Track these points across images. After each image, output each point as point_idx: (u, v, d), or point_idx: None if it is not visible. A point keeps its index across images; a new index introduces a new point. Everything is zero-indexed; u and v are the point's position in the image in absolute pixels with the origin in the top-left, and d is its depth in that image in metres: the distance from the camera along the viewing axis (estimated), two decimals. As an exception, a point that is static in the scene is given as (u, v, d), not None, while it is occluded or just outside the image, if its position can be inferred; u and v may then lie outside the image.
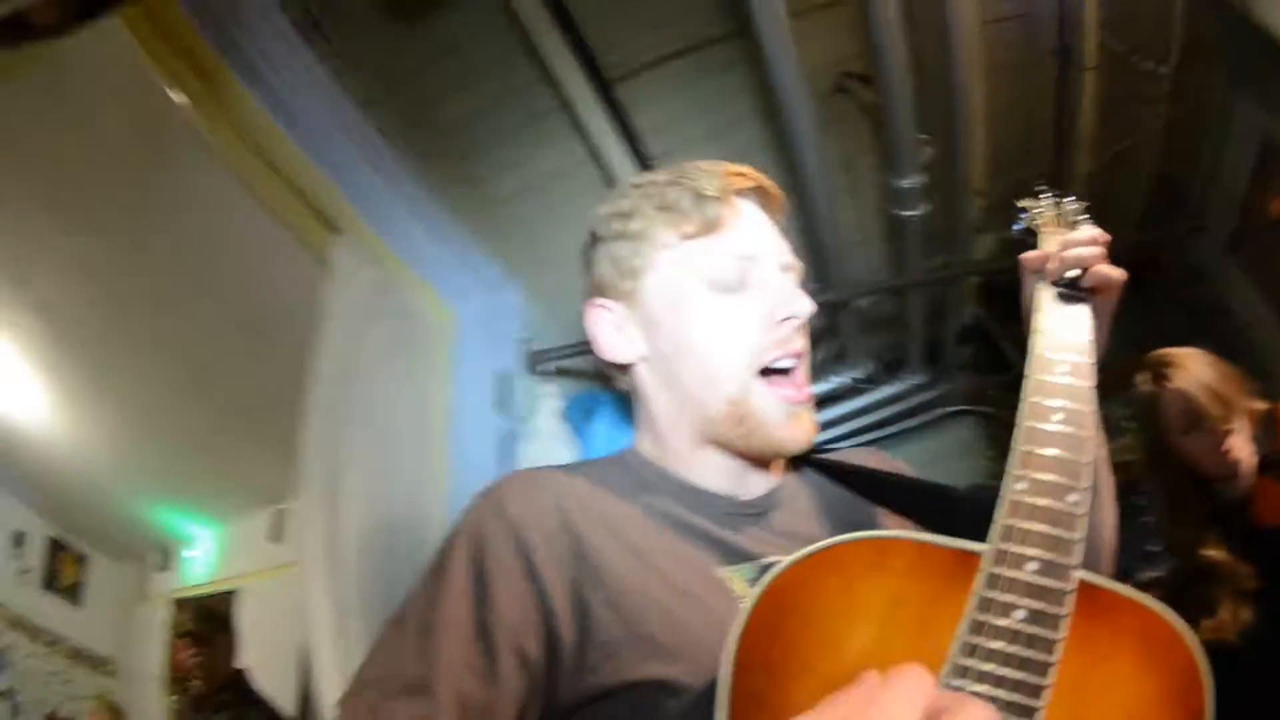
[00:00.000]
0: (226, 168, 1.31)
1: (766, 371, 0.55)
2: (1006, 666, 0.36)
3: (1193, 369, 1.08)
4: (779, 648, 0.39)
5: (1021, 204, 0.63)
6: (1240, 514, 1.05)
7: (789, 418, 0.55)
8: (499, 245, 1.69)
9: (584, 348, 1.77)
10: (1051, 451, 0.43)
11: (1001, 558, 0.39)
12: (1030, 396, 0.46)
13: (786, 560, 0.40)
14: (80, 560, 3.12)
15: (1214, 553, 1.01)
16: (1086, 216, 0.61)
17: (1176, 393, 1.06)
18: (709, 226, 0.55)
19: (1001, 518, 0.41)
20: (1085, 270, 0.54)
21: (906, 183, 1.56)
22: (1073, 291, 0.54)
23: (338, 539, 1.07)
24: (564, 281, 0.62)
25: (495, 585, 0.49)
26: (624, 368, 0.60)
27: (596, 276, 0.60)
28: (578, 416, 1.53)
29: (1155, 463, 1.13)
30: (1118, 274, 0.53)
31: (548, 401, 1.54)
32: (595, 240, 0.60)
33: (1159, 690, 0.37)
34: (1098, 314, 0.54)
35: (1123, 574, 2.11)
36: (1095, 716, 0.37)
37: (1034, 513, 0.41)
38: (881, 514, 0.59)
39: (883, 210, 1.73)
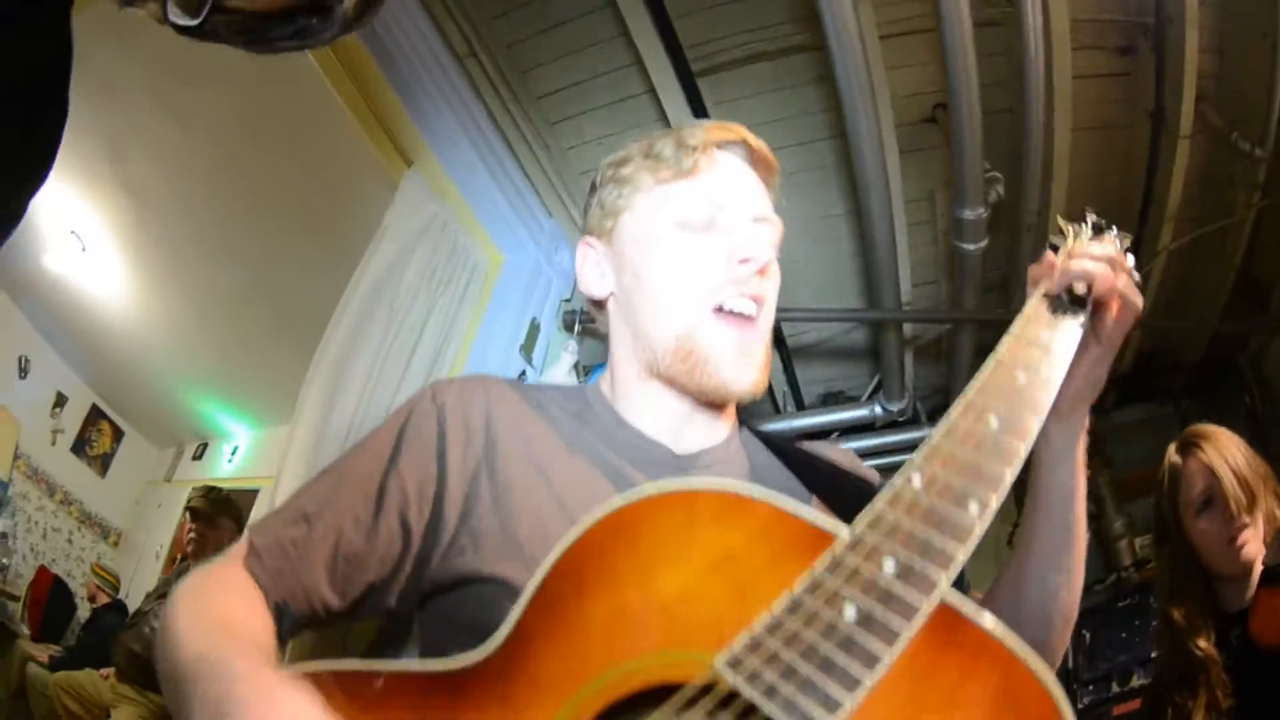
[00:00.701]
0: (326, 89, 1.39)
1: (723, 312, 0.55)
2: (808, 662, 0.30)
3: (1225, 448, 1.01)
4: (597, 563, 0.37)
5: (1062, 223, 0.58)
6: (1238, 625, 0.97)
7: (738, 357, 0.55)
8: (563, 210, 1.75)
9: None
10: (967, 451, 0.37)
11: (856, 545, 0.34)
12: (968, 393, 0.41)
13: (645, 489, 0.38)
14: (117, 435, 3.33)
15: (1204, 645, 0.94)
16: (1127, 243, 0.55)
17: (1201, 467, 1.00)
18: (685, 172, 0.57)
19: (876, 503, 0.35)
20: (1090, 286, 0.49)
21: (969, 214, 1.53)
22: (1068, 304, 0.49)
23: (323, 447, 1.11)
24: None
25: (405, 454, 0.51)
26: (601, 305, 0.62)
27: (588, 218, 0.63)
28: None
29: (1163, 538, 1.06)
30: (1129, 292, 0.49)
31: (568, 357, 1.58)
32: (593, 187, 0.63)
33: None
34: (1099, 340, 0.50)
35: (1122, 674, 1.97)
36: None
37: (915, 509, 0.34)
38: (815, 502, 0.57)
39: (947, 243, 1.70)
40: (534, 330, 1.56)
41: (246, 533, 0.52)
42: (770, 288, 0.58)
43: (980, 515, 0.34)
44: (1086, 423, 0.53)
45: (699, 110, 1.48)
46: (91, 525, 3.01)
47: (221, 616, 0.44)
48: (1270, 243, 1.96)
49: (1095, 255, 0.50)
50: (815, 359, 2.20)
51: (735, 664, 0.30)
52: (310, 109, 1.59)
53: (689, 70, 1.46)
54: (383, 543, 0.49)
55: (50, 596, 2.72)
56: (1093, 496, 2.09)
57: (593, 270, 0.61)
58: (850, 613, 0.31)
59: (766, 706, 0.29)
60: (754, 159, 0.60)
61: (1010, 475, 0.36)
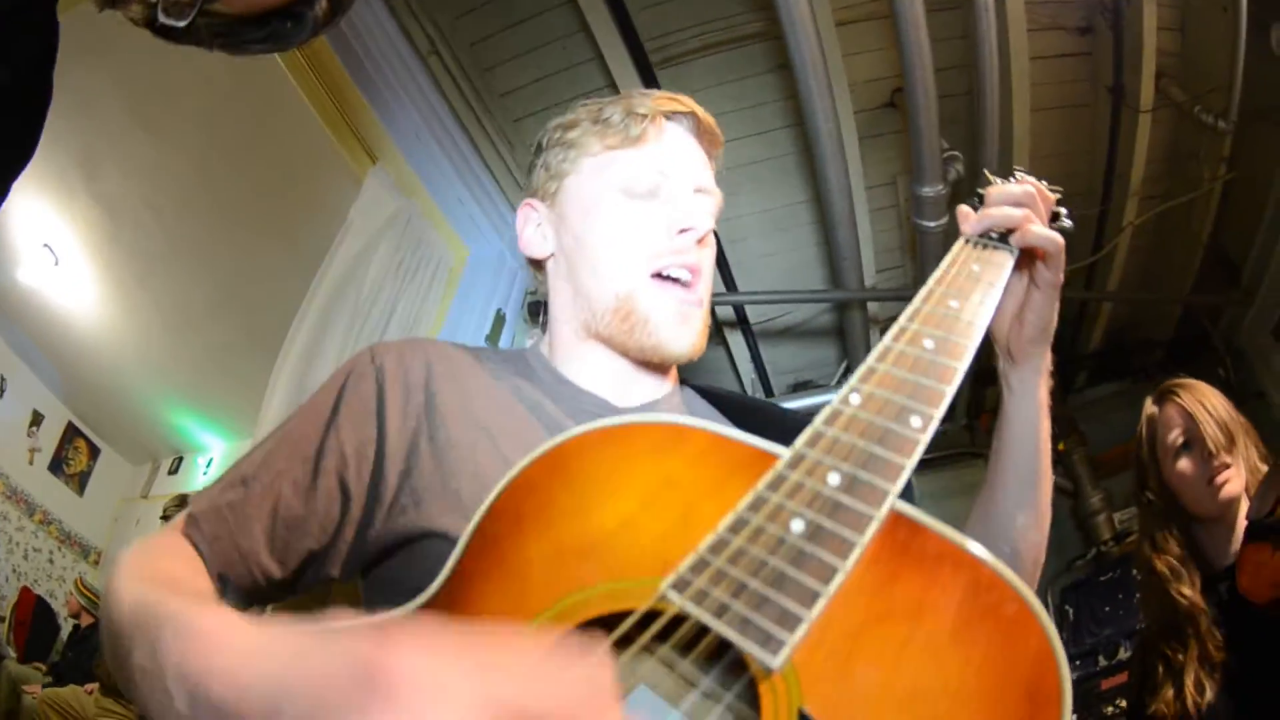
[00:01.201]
0: (293, 89, 1.39)
1: (661, 277, 0.56)
2: (756, 578, 0.29)
3: (1203, 394, 0.99)
4: (534, 501, 0.36)
5: (989, 175, 0.58)
6: (1226, 580, 0.96)
7: (676, 319, 0.55)
8: None
9: None
10: (902, 372, 0.37)
11: (797, 462, 0.33)
12: (901, 320, 0.41)
13: (580, 427, 0.37)
14: (94, 452, 3.29)
15: (1189, 593, 0.91)
16: (1059, 196, 0.55)
17: (1178, 410, 0.98)
18: (632, 140, 0.57)
19: (814, 423, 0.35)
20: (1012, 231, 0.49)
21: (929, 191, 1.55)
22: (995, 242, 0.49)
23: None
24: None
25: (344, 415, 0.50)
26: (540, 265, 0.62)
27: (531, 179, 0.63)
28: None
29: (1143, 487, 1.04)
30: (1048, 236, 0.49)
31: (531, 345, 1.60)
32: (538, 148, 0.63)
33: (987, 670, 0.27)
34: (1037, 285, 0.51)
35: (1108, 648, 1.96)
36: (879, 685, 0.27)
37: (853, 424, 0.34)
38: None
39: (911, 228, 1.72)
40: (499, 321, 1.58)
41: (189, 501, 0.51)
42: (707, 257, 0.58)
43: (923, 428, 0.34)
44: (1047, 365, 0.54)
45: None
46: (72, 544, 2.97)
47: (160, 572, 0.42)
48: (1238, 216, 1.98)
49: (1010, 196, 0.51)
50: (783, 344, 2.20)
51: (682, 586, 0.29)
52: (278, 111, 1.59)
53: (648, 63, 1.47)
54: (322, 506, 0.48)
55: (34, 617, 2.68)
56: (1069, 473, 2.10)
57: (534, 231, 0.61)
58: (798, 526, 0.30)
59: (717, 626, 0.27)
60: (700, 130, 0.61)
61: (949, 391, 0.36)
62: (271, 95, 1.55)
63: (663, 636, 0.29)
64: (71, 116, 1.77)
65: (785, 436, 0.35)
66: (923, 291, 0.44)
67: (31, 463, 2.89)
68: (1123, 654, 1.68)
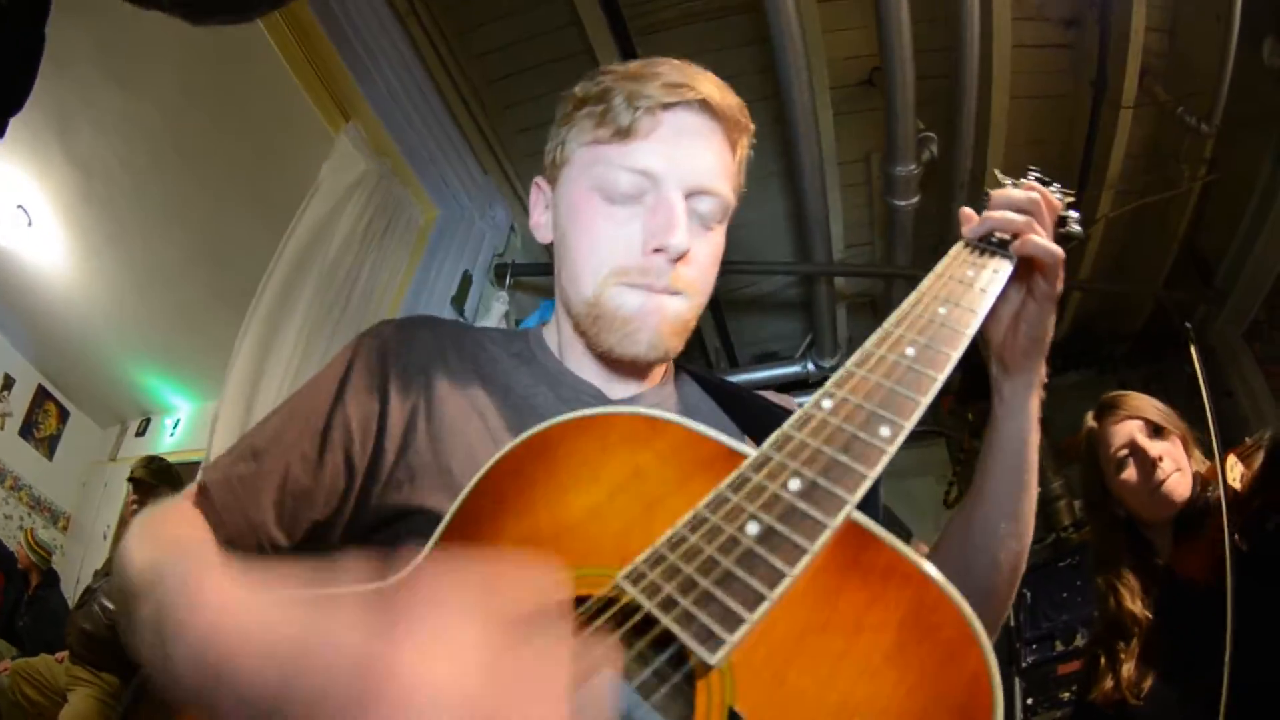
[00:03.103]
0: (268, 46, 1.37)
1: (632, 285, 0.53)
2: (707, 576, 0.29)
3: (1139, 405, 1.04)
4: (516, 484, 0.37)
5: (999, 175, 0.56)
6: (1168, 574, 1.00)
7: (640, 318, 0.52)
8: (497, 167, 1.75)
9: (549, 269, 1.82)
10: (878, 378, 0.37)
11: (762, 464, 0.33)
12: (886, 324, 0.41)
13: (563, 416, 0.38)
14: (63, 415, 3.25)
15: (1133, 608, 0.96)
16: (1071, 201, 0.53)
17: (1118, 423, 1.02)
18: (621, 133, 0.52)
19: (785, 426, 0.35)
20: (1014, 237, 0.47)
21: (901, 170, 1.55)
22: (994, 246, 0.48)
23: (256, 400, 1.10)
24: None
25: (351, 391, 0.51)
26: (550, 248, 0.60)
27: (545, 154, 0.60)
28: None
29: (1091, 504, 1.09)
30: (1047, 249, 0.47)
31: (499, 307, 1.61)
32: (556, 119, 0.59)
33: (919, 692, 0.27)
34: (1033, 295, 0.49)
35: (1065, 633, 1.98)
36: (810, 694, 0.27)
37: (822, 430, 0.34)
38: (748, 443, 0.56)
39: (882, 205, 1.72)
40: (466, 282, 1.57)
41: (199, 472, 0.52)
42: (693, 274, 0.54)
43: (892, 439, 0.33)
44: (1041, 377, 0.52)
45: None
46: (41, 510, 2.94)
47: (172, 536, 0.43)
48: (1215, 218, 2.01)
49: (1013, 201, 0.49)
50: (749, 316, 2.20)
51: (636, 578, 0.30)
52: (253, 70, 1.57)
53: (627, 31, 1.46)
54: (329, 479, 0.49)
55: (4, 590, 2.64)
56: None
57: (540, 214, 0.59)
58: (752, 529, 0.30)
59: (664, 619, 0.28)
60: (717, 116, 0.54)
61: (924, 402, 0.36)
62: (247, 53, 1.52)
63: (618, 623, 0.30)
64: (45, 75, 1.73)
65: (770, 432, 0.34)
66: (913, 295, 0.43)
67: (2, 427, 2.85)
68: (1079, 640, 1.70)
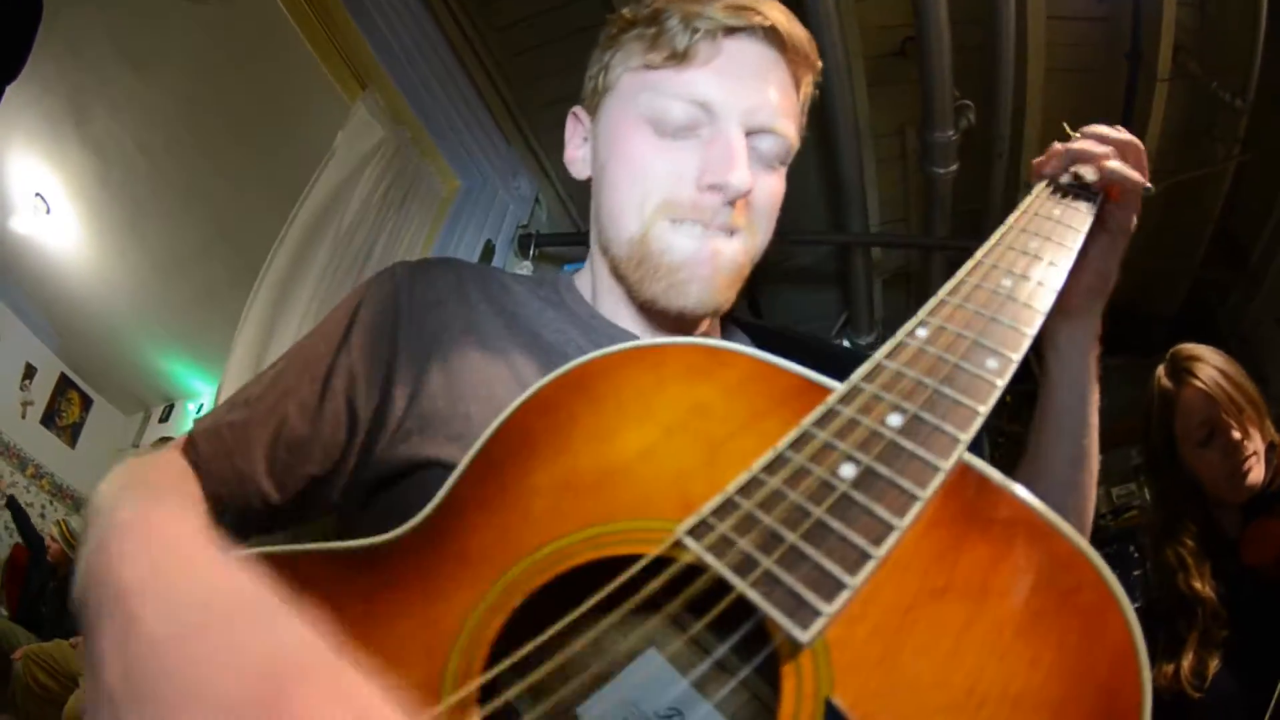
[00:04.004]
0: (284, 18, 1.35)
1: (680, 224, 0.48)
2: (793, 530, 0.24)
3: (1219, 373, 0.93)
4: (547, 424, 0.32)
5: (1067, 128, 0.52)
6: (1232, 551, 0.94)
7: (692, 266, 0.46)
8: (521, 140, 1.73)
9: (574, 238, 1.72)
10: (976, 307, 0.33)
11: (852, 396, 0.28)
12: (977, 255, 0.37)
13: (607, 349, 0.33)
14: (86, 403, 3.27)
15: (1198, 585, 0.89)
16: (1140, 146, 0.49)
17: (1198, 395, 0.92)
18: (678, 56, 0.46)
19: (875, 356, 0.30)
20: (1095, 170, 0.45)
21: (939, 136, 1.51)
22: (1077, 189, 0.46)
23: (266, 359, 1.08)
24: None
25: (357, 334, 0.47)
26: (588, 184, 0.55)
27: (586, 80, 0.54)
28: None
29: (1156, 466, 0.99)
30: (1130, 174, 0.45)
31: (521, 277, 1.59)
32: (599, 41, 0.53)
33: (1060, 671, 0.22)
34: (1106, 227, 0.46)
35: None
36: (928, 679, 0.22)
37: (920, 359, 0.30)
38: None
39: (917, 177, 1.68)
40: (488, 252, 1.53)
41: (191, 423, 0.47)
42: (752, 216, 0.48)
43: (1000, 372, 0.29)
44: (1098, 326, 0.48)
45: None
46: (64, 497, 2.96)
47: (143, 480, 0.38)
48: (1249, 198, 1.95)
49: (1103, 134, 0.47)
50: (783, 291, 2.15)
51: (701, 532, 0.25)
52: (267, 43, 1.55)
53: (654, 1, 1.43)
54: (328, 429, 0.44)
55: (27, 574, 2.66)
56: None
57: (577, 148, 0.54)
58: (848, 471, 0.25)
59: (739, 584, 0.23)
60: (784, 47, 0.49)
61: (1030, 335, 0.32)
62: (262, 27, 1.51)
63: (674, 590, 0.24)
64: (61, 58, 1.74)
65: (840, 375, 0.30)
66: (1000, 229, 0.40)
67: (24, 416, 2.87)
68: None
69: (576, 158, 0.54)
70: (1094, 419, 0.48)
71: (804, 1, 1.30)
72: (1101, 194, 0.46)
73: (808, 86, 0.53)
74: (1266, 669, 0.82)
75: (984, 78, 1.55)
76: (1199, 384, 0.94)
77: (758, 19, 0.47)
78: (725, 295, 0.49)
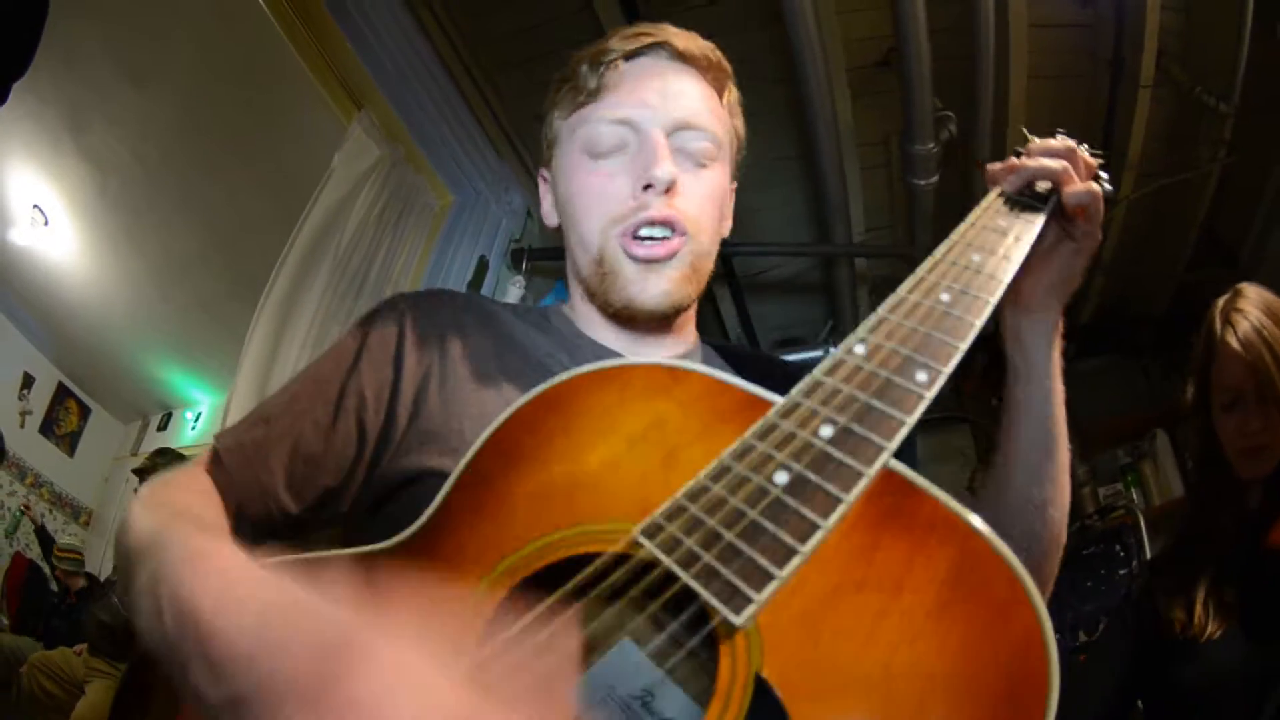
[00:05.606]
0: (278, 36, 1.38)
1: (635, 237, 0.53)
2: (731, 529, 0.27)
3: (1259, 341, 0.83)
4: (529, 440, 0.36)
5: (1026, 133, 0.54)
6: (1251, 524, 0.84)
7: (642, 273, 0.52)
8: (512, 153, 1.75)
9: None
10: (914, 324, 0.35)
11: (790, 410, 0.31)
12: (919, 270, 0.39)
13: (578, 368, 0.37)
14: (84, 412, 3.29)
15: (1225, 520, 0.84)
16: (1101, 161, 0.51)
17: (1235, 357, 0.84)
18: (592, 94, 0.54)
19: (815, 373, 0.33)
20: (1053, 185, 0.47)
21: (920, 149, 1.54)
22: (1027, 199, 0.47)
23: (270, 386, 1.11)
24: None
25: (366, 359, 0.51)
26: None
27: (541, 144, 0.61)
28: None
29: (1197, 408, 0.90)
30: (1088, 190, 0.46)
31: (515, 291, 1.61)
32: (544, 108, 0.60)
33: (967, 653, 0.25)
34: (1073, 237, 0.48)
35: (1089, 623, 1.93)
36: (846, 658, 0.25)
37: (855, 375, 0.33)
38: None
39: (902, 187, 1.70)
40: (482, 267, 1.57)
41: (212, 440, 0.51)
42: (690, 210, 0.53)
43: (929, 384, 0.32)
44: (1059, 322, 0.51)
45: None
46: (63, 506, 2.98)
47: (175, 503, 0.43)
48: (1235, 200, 1.97)
49: (1053, 149, 0.49)
50: (770, 300, 2.18)
51: (653, 532, 0.29)
52: (263, 61, 1.58)
53: (638, 13, 1.45)
54: (339, 445, 0.49)
55: (26, 584, 2.67)
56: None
57: (547, 202, 0.61)
58: (782, 478, 0.29)
59: (683, 575, 0.26)
60: (685, 58, 0.55)
61: (961, 347, 0.34)
62: (258, 43, 1.53)
63: (632, 582, 0.28)
64: (58, 71, 1.76)
65: (788, 389, 0.33)
66: (946, 242, 0.42)
67: (23, 426, 2.89)
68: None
69: (547, 210, 0.61)
70: (1060, 410, 0.50)
71: (785, 18, 1.33)
72: (1054, 199, 0.47)
73: (730, 91, 0.58)
74: (1273, 645, 0.78)
75: (965, 88, 1.57)
76: (1236, 345, 0.85)
77: (650, 39, 0.54)
78: (684, 290, 0.54)
